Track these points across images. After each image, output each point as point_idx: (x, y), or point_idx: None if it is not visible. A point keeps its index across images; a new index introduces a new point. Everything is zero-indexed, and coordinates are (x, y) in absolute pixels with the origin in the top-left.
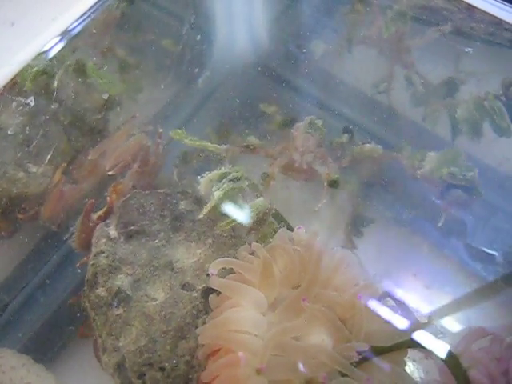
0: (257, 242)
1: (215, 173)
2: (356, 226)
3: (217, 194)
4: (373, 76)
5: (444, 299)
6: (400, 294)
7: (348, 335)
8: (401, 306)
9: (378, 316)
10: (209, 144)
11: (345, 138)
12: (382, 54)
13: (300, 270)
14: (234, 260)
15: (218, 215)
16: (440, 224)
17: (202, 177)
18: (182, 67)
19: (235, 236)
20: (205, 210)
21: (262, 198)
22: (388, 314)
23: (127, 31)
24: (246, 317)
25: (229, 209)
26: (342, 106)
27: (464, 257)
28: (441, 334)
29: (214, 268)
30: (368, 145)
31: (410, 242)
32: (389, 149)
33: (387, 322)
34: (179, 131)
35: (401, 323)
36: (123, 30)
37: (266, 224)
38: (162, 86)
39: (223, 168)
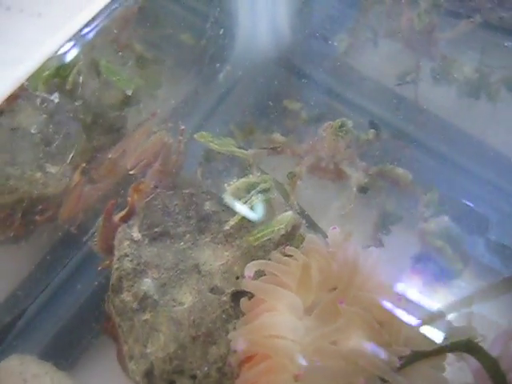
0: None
1: (243, 181)
2: (384, 223)
3: (246, 206)
4: (399, 70)
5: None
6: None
7: (387, 339)
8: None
9: (416, 319)
10: (236, 149)
11: (371, 134)
12: (409, 47)
13: (336, 272)
14: (271, 262)
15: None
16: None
17: (228, 184)
18: (203, 62)
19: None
20: (231, 222)
21: (290, 212)
22: (425, 317)
23: (146, 26)
24: (283, 321)
25: (257, 222)
26: (368, 101)
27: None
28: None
29: (250, 270)
30: (400, 169)
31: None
32: (416, 147)
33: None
34: (204, 134)
35: (438, 326)
36: (141, 24)
37: (295, 239)
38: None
39: (251, 176)
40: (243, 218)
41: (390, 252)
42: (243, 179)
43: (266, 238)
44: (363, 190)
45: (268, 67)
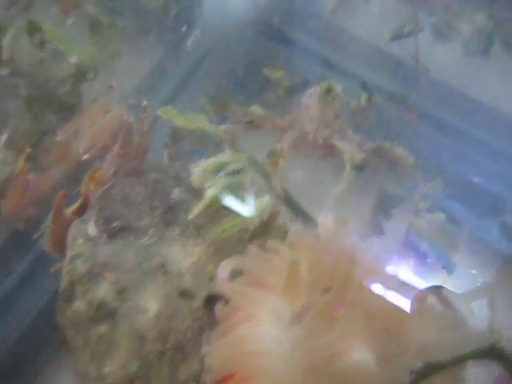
0: None
1: (211, 161)
2: (384, 207)
3: (210, 192)
4: (394, 27)
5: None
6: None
7: (395, 349)
8: (449, 308)
9: (430, 322)
10: (205, 125)
11: (364, 99)
12: (405, 1)
13: (330, 269)
14: (249, 259)
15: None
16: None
17: (195, 165)
18: (166, 26)
19: (241, 229)
20: (195, 210)
21: (266, 197)
22: (439, 320)
23: None
24: (265, 332)
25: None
26: (360, 65)
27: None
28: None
29: (224, 269)
30: (400, 149)
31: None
32: (415, 114)
33: (441, 330)
34: (169, 109)
35: (457, 331)
36: None
37: (273, 229)
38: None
39: (221, 155)
40: (213, 206)
41: (393, 240)
42: (212, 159)
43: (236, 229)
44: (359, 168)
45: (244, 31)
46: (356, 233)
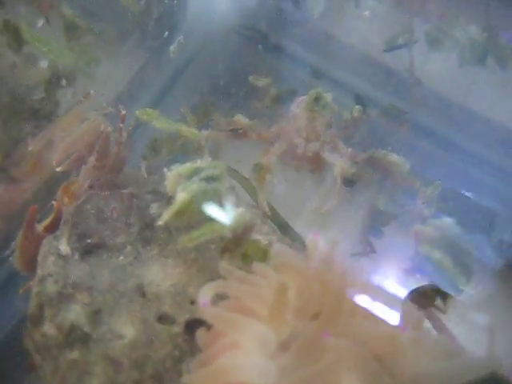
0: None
1: (186, 166)
2: (375, 224)
3: (181, 196)
4: (388, 35)
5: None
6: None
7: (388, 381)
8: (444, 332)
9: (426, 349)
10: (184, 128)
11: (357, 111)
12: (399, 6)
13: (319, 294)
14: (233, 283)
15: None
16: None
17: (169, 170)
18: (147, 31)
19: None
20: (165, 216)
21: (241, 209)
22: (435, 346)
23: None
24: (249, 362)
25: (200, 216)
26: (351, 75)
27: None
28: None
29: (205, 294)
30: (394, 156)
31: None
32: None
33: (437, 358)
34: (148, 110)
35: (454, 358)
36: None
37: (245, 243)
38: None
39: (199, 162)
40: (185, 212)
41: (385, 259)
42: (188, 164)
43: (205, 238)
44: (350, 182)
45: (229, 36)
46: (346, 252)
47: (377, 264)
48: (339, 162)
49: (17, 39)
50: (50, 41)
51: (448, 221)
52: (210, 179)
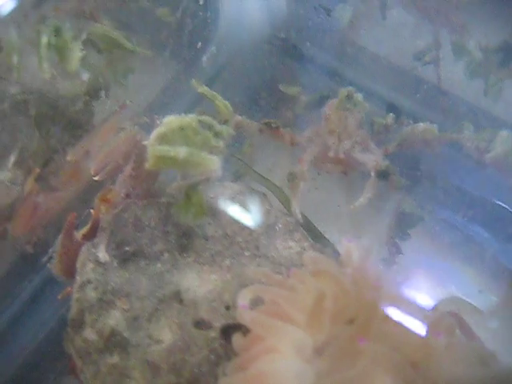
0: None
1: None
2: (401, 226)
3: (167, 119)
4: (414, 46)
5: None
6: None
7: None
8: (470, 336)
9: (460, 355)
10: (218, 99)
11: (390, 118)
12: (425, 17)
13: (354, 301)
14: (272, 287)
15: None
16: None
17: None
18: (181, 42)
19: (259, 255)
20: (151, 139)
21: None
22: (468, 353)
23: None
24: (287, 367)
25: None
26: (379, 83)
27: None
28: None
29: (244, 297)
30: (421, 124)
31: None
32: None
33: (470, 365)
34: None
35: (487, 365)
36: None
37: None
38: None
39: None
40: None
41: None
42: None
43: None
44: (383, 174)
45: (260, 47)
46: (378, 257)
47: (405, 269)
48: (372, 157)
49: (60, 50)
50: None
51: (503, 132)
52: (208, 127)
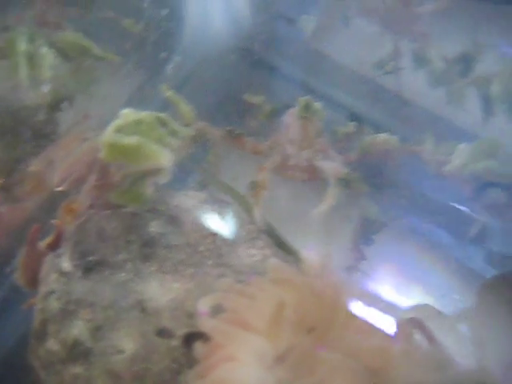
0: None
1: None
2: (365, 232)
3: (123, 112)
4: (376, 55)
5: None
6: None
7: None
8: (434, 344)
9: (417, 361)
10: (182, 104)
11: (351, 126)
12: (387, 27)
13: (314, 309)
14: (232, 296)
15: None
16: (471, 233)
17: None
18: (146, 51)
19: (222, 264)
20: (107, 131)
21: None
22: (426, 359)
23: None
24: (247, 375)
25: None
26: (342, 92)
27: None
28: None
29: (204, 304)
30: (382, 135)
31: (425, 249)
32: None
33: (428, 370)
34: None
35: (444, 370)
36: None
37: None
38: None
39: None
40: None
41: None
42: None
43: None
44: (343, 182)
45: (225, 57)
46: (340, 264)
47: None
48: (332, 165)
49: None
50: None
51: (460, 145)
52: (165, 125)
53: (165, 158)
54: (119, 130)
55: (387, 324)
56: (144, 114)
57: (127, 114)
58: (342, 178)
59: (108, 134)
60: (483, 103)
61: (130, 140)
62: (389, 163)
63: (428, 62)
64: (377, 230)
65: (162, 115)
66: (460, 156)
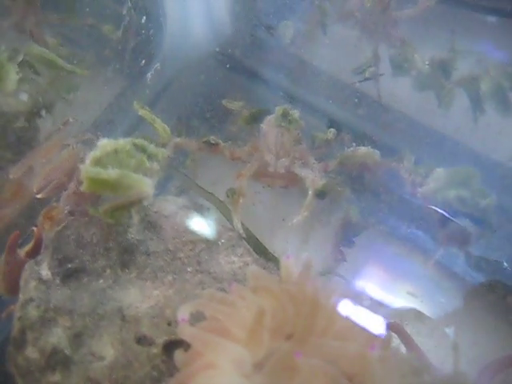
0: None
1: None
2: (347, 235)
3: (102, 143)
4: (356, 61)
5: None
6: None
7: None
8: (410, 346)
9: (394, 367)
10: (158, 122)
11: (331, 133)
12: (365, 32)
13: (292, 316)
14: (212, 303)
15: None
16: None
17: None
18: (125, 58)
19: (202, 271)
20: (87, 162)
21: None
22: (403, 364)
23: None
24: (224, 382)
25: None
26: (321, 98)
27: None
28: None
29: (184, 311)
30: (363, 148)
31: (406, 253)
32: (382, 151)
33: (404, 376)
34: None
35: (420, 376)
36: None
37: None
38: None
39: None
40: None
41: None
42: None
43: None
44: (321, 195)
45: (205, 63)
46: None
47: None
48: (311, 175)
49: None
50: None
51: (439, 170)
52: (142, 150)
53: (147, 185)
54: (98, 162)
55: (368, 326)
56: (121, 143)
57: (104, 145)
58: (319, 190)
59: (87, 169)
60: (473, 102)
61: (111, 173)
62: (367, 175)
63: (409, 67)
64: (358, 232)
65: (138, 140)
66: (435, 180)
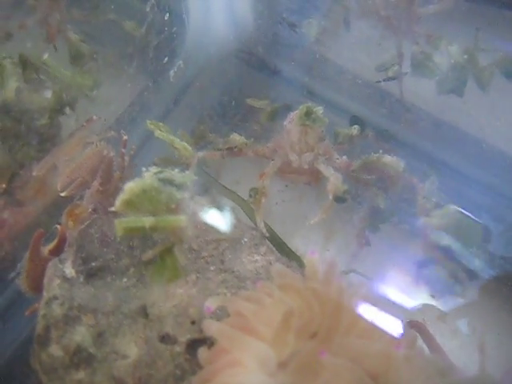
0: None
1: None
2: (373, 221)
3: (128, 186)
4: (379, 59)
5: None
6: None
7: None
8: (432, 346)
9: (419, 367)
10: (177, 141)
11: (355, 130)
12: (388, 28)
13: (317, 315)
14: (239, 300)
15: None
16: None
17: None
18: (148, 56)
19: (225, 270)
20: (117, 204)
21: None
22: (428, 365)
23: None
24: (250, 381)
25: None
26: (344, 96)
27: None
28: None
29: (211, 303)
30: (388, 157)
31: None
32: (404, 149)
33: (430, 377)
34: (155, 122)
35: (446, 377)
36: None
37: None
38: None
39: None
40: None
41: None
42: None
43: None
44: (340, 199)
45: (227, 61)
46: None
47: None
48: (332, 178)
49: (22, 64)
50: (58, 68)
51: (451, 207)
52: (169, 183)
53: (181, 222)
54: (128, 205)
55: (392, 326)
56: (147, 182)
57: (131, 188)
58: (339, 196)
59: (120, 220)
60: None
61: (145, 222)
62: (387, 181)
63: (432, 67)
64: (384, 219)
65: (163, 175)
66: (441, 217)
